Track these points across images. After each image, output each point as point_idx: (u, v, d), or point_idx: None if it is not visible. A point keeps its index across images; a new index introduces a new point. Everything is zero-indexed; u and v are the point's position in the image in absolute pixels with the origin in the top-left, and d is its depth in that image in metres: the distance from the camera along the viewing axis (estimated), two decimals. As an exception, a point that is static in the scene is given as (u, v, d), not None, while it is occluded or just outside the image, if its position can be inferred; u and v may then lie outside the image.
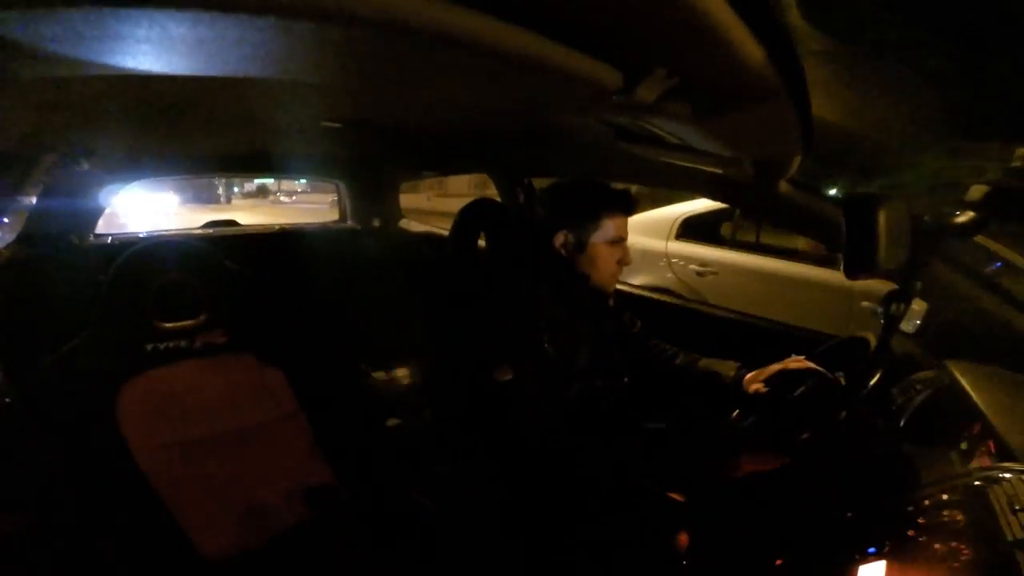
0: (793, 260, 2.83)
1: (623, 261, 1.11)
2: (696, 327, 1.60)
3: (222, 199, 18.17)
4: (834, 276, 2.57)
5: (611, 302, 1.21)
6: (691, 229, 3.17)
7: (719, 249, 3.08)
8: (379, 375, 1.99)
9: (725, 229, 3.19)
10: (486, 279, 1.21)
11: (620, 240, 1.09)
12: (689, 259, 3.11)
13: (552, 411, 1.00)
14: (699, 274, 3.06)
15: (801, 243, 2.83)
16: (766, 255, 2.94)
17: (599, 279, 1.11)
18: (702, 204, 3.14)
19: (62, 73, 0.53)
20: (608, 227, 1.08)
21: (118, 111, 0.85)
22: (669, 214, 3.25)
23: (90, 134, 1.05)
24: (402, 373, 1.97)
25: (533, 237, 1.13)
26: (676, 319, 1.63)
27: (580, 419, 1.08)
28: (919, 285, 0.87)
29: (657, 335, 1.32)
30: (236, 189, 19.96)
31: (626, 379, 1.22)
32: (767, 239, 3.05)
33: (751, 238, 3.11)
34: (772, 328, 1.48)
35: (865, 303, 2.43)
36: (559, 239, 1.08)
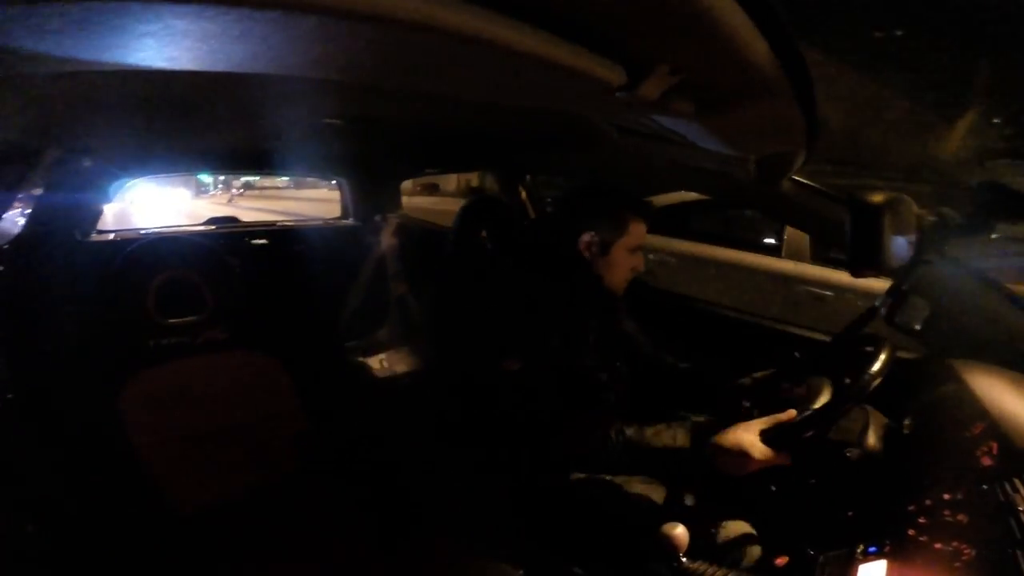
0: (741, 249, 3.07)
1: (636, 268, 1.13)
2: (699, 326, 1.60)
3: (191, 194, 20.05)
4: (776, 263, 2.84)
5: (615, 303, 1.22)
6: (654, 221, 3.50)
7: (676, 240, 3.36)
8: (380, 371, 1.99)
9: (684, 221, 3.48)
10: (493, 273, 1.22)
11: (639, 248, 1.12)
12: (649, 249, 3.39)
13: (557, 403, 1.00)
14: (657, 262, 3.31)
15: (751, 233, 3.10)
16: (717, 244, 3.19)
17: (612, 283, 1.12)
18: (662, 199, 3.43)
19: (65, 68, 0.52)
20: (632, 234, 1.10)
21: (120, 107, 0.85)
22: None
23: (93, 130, 1.05)
24: (403, 369, 1.97)
25: (553, 235, 1.14)
26: (680, 318, 1.62)
27: (583, 413, 1.08)
28: (921, 283, 0.87)
29: (659, 332, 1.32)
30: (220, 186, 21.43)
31: (630, 380, 1.22)
32: (716, 229, 3.35)
33: (708, 228, 3.41)
34: (774, 328, 1.48)
35: (801, 287, 2.54)
36: (584, 240, 1.09)
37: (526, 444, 1.02)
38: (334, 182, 2.45)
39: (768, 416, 0.87)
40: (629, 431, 0.94)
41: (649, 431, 0.92)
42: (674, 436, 0.92)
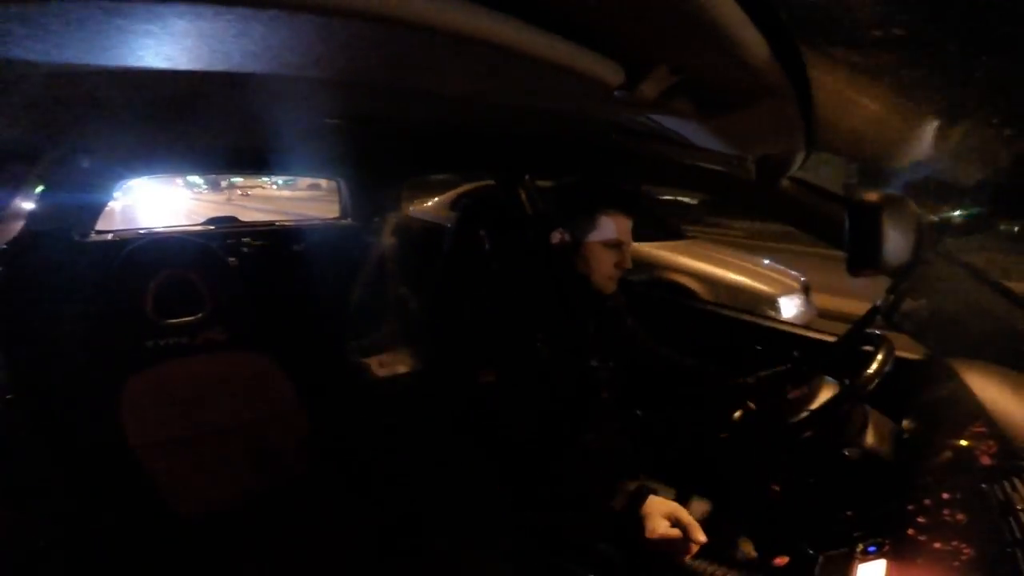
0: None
1: (621, 265, 1.08)
2: (698, 326, 1.60)
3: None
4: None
5: (610, 303, 1.20)
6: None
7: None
8: (379, 372, 1.99)
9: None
10: (486, 276, 1.21)
11: (618, 243, 1.06)
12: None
13: (529, 419, 0.98)
14: None
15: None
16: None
17: (596, 282, 1.08)
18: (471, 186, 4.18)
19: (65, 67, 0.52)
20: (605, 227, 1.04)
21: (120, 107, 0.84)
22: (451, 194, 4.42)
23: (92, 129, 1.05)
24: (402, 370, 1.97)
25: (533, 233, 1.12)
26: (678, 317, 1.62)
27: (565, 425, 1.07)
28: (920, 282, 0.87)
29: (657, 332, 1.32)
30: (206, 187, 22.14)
31: (621, 380, 1.22)
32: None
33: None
34: (772, 328, 1.48)
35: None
36: (555, 237, 1.06)
37: (502, 453, 1.00)
38: (298, 180, 2.45)
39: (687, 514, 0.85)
40: (572, 473, 0.92)
41: (590, 480, 0.91)
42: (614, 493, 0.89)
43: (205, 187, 21.43)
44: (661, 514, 0.85)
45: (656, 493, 0.88)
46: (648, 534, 0.83)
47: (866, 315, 0.94)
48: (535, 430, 0.98)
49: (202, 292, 1.76)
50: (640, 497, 0.87)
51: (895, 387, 0.88)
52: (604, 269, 1.07)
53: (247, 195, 20.52)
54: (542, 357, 1.04)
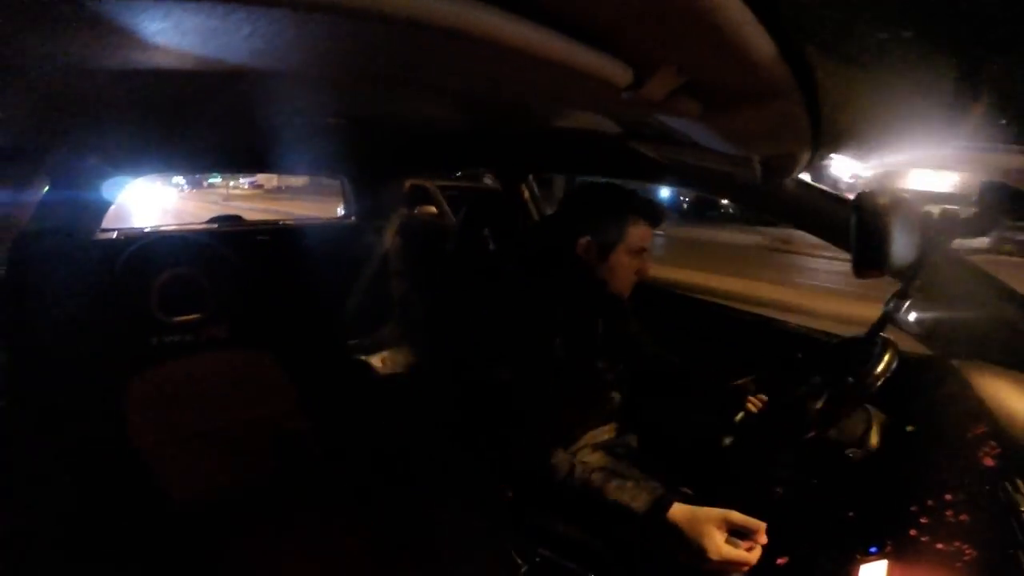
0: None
1: (641, 272, 1.09)
2: (702, 324, 1.60)
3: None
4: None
5: (620, 305, 1.20)
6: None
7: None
8: (382, 370, 1.99)
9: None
10: (494, 276, 1.21)
11: (642, 251, 1.08)
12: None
13: (541, 419, 0.98)
14: None
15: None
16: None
17: (615, 287, 1.09)
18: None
19: (73, 65, 0.53)
20: (633, 237, 1.06)
21: (126, 105, 0.85)
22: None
23: (97, 128, 1.05)
24: (404, 368, 1.97)
25: (553, 237, 1.12)
26: (683, 315, 1.62)
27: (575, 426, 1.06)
28: (925, 283, 0.87)
29: (662, 330, 1.32)
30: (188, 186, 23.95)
31: (633, 381, 1.22)
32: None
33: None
34: (777, 327, 1.48)
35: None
36: (582, 244, 1.06)
37: (503, 452, 0.97)
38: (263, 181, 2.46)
39: (744, 515, 0.77)
40: (594, 474, 0.87)
41: (614, 482, 0.85)
42: (634, 496, 0.82)
43: (188, 187, 23.05)
44: (714, 525, 0.75)
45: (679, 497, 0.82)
46: (712, 555, 0.73)
47: (879, 320, 0.93)
48: (551, 428, 0.97)
49: (206, 290, 1.76)
50: (664, 504, 0.80)
51: (898, 387, 0.88)
52: (626, 276, 1.08)
53: (199, 190, 22.77)
54: (558, 357, 1.04)
